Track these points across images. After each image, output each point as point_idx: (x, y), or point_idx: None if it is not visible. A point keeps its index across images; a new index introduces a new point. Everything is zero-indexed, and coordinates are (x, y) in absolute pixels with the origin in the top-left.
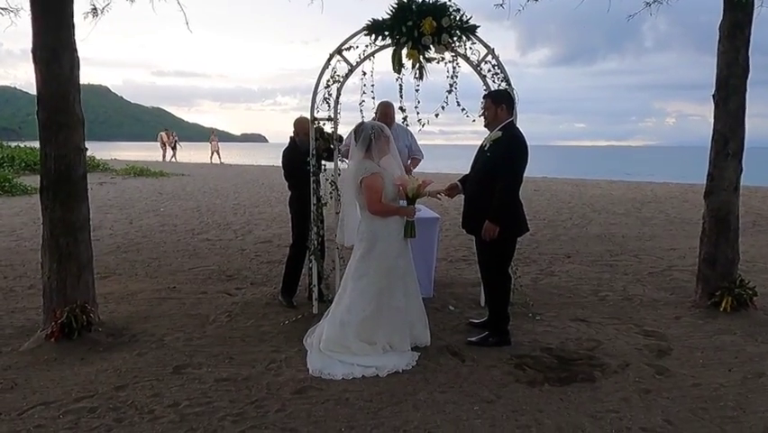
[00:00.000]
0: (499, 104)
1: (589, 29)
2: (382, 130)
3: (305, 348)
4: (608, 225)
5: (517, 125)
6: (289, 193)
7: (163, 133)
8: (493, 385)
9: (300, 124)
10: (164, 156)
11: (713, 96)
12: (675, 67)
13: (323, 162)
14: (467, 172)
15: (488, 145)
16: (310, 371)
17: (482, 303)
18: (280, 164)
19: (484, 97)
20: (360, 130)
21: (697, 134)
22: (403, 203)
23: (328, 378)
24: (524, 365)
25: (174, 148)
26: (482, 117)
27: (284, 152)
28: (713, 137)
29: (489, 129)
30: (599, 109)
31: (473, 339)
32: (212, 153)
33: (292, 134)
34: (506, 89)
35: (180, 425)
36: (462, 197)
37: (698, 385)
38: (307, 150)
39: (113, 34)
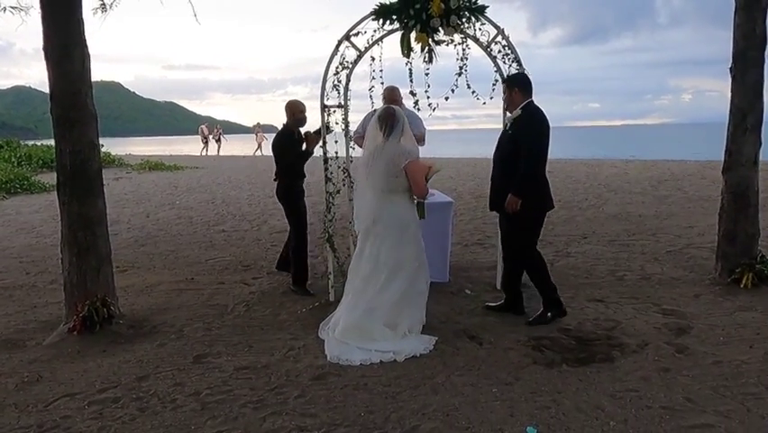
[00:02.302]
0: (512, 87)
1: (601, 7)
2: (408, 116)
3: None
4: (625, 205)
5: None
6: (275, 183)
7: (204, 127)
8: (511, 367)
9: (291, 106)
10: (205, 150)
11: (730, 69)
12: (691, 42)
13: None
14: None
15: (509, 125)
16: (328, 357)
17: (498, 286)
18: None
19: (502, 83)
20: (394, 118)
21: (714, 110)
22: None
23: (346, 364)
24: (541, 347)
25: (219, 141)
26: (503, 101)
27: (274, 138)
28: (731, 111)
29: (509, 112)
30: (614, 88)
31: (531, 320)
32: (257, 146)
33: (285, 122)
34: (521, 73)
35: (202, 413)
36: (472, 178)
37: (718, 363)
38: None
39: (122, 29)
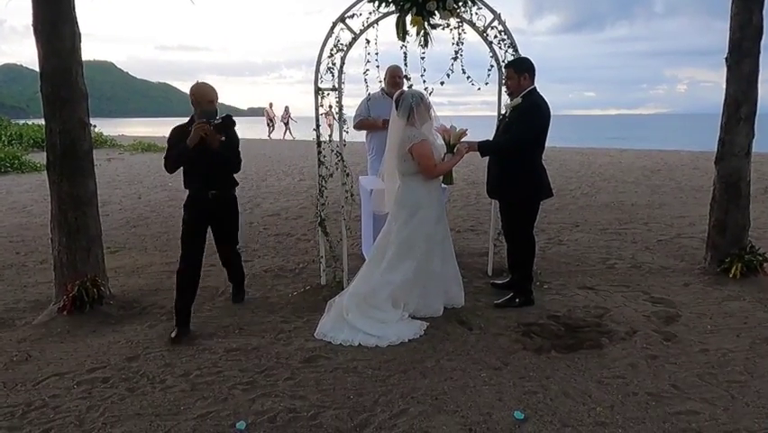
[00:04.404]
0: (522, 72)
1: None
2: (422, 97)
3: (317, 316)
4: (618, 194)
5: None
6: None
7: (268, 108)
8: (500, 352)
9: (200, 91)
10: (270, 133)
11: (725, 59)
12: (687, 32)
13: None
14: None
15: (508, 111)
16: (316, 332)
17: (490, 272)
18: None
19: (506, 67)
20: (401, 99)
21: (709, 101)
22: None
23: (328, 340)
24: (531, 333)
25: (287, 125)
26: (506, 87)
27: (174, 130)
28: (725, 101)
29: (511, 99)
30: (610, 77)
31: (499, 301)
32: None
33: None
34: (527, 58)
35: (191, 394)
36: (466, 164)
37: (705, 351)
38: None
39: (115, 8)
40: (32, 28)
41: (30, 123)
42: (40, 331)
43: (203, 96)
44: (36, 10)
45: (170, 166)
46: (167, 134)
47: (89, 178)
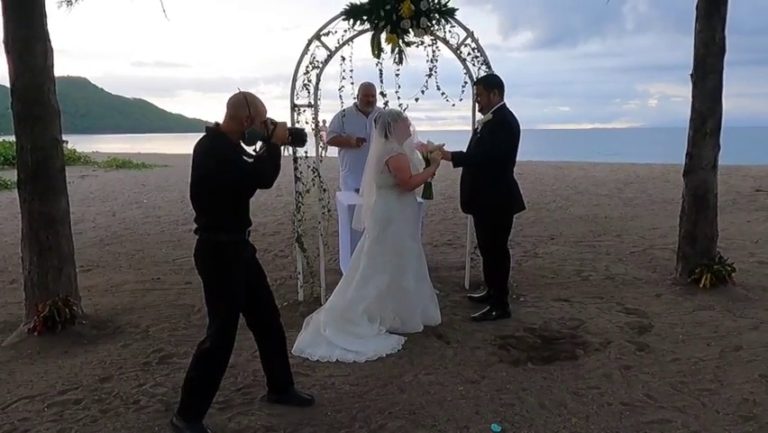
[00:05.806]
0: (491, 89)
1: (570, 11)
2: (399, 115)
3: (295, 332)
4: (591, 207)
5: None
6: (196, 236)
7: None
8: (477, 366)
9: (259, 105)
10: None
11: (691, 75)
12: (656, 48)
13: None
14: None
15: (479, 127)
16: (293, 349)
17: (467, 286)
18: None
19: (476, 84)
20: (378, 117)
21: (679, 115)
22: None
23: (306, 356)
24: (507, 346)
25: None
26: (477, 103)
27: (207, 149)
28: (691, 116)
29: (482, 114)
30: (583, 92)
31: (476, 315)
32: None
33: (219, 123)
34: (496, 75)
35: (166, 414)
36: (443, 179)
37: (677, 360)
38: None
39: (89, 24)
40: (2, 44)
41: (0, 140)
42: (9, 353)
43: (260, 114)
44: (8, 26)
45: (271, 178)
46: (142, 150)
47: (62, 196)
